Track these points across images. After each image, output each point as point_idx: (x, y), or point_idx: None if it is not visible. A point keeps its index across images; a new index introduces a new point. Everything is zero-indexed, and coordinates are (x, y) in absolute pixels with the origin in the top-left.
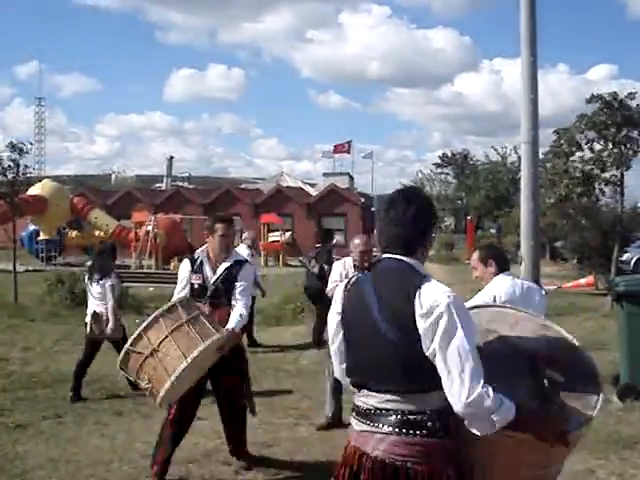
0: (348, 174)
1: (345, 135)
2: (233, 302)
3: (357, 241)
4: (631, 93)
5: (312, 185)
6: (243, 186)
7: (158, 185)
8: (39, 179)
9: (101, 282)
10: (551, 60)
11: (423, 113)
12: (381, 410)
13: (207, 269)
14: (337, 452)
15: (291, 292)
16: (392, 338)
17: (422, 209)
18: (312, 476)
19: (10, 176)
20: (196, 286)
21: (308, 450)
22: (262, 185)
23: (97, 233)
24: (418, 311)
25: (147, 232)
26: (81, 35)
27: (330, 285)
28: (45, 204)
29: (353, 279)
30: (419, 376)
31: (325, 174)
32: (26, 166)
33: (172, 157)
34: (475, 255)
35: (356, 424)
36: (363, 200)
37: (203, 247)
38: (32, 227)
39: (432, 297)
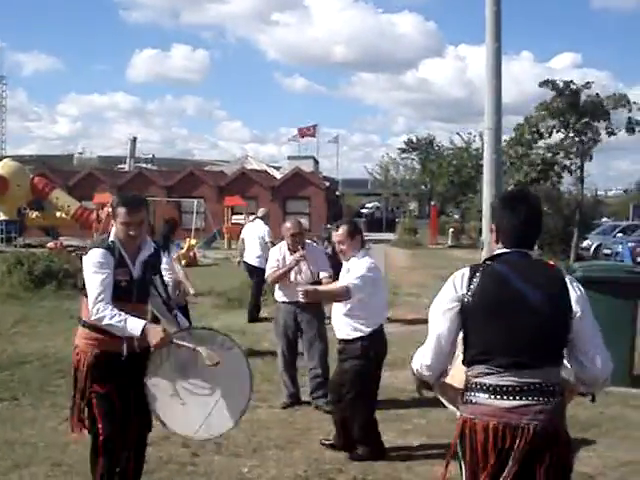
0: (313, 158)
1: (310, 119)
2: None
3: (288, 225)
4: (588, 83)
5: (277, 168)
6: (207, 168)
7: (121, 166)
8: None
9: (167, 256)
10: (515, 47)
11: (388, 98)
12: (535, 384)
13: (129, 261)
14: (295, 434)
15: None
16: (553, 319)
17: (540, 212)
18: (270, 457)
19: None
20: (123, 283)
21: (267, 432)
22: (227, 168)
23: (58, 214)
24: (574, 296)
25: (109, 214)
26: (42, 13)
27: (268, 271)
28: (5, 184)
29: (480, 270)
30: (562, 351)
31: (290, 157)
32: None
33: (135, 138)
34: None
35: (504, 401)
36: (328, 184)
37: (112, 231)
38: None
39: (578, 285)
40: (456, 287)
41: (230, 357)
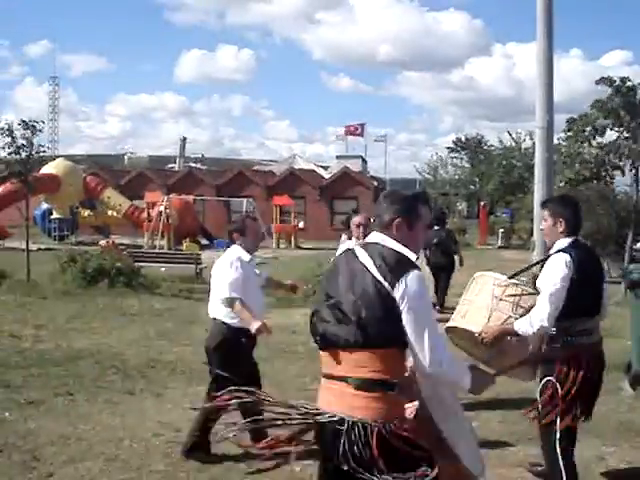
0: (361, 157)
1: (356, 118)
2: None
3: (355, 218)
4: None
5: (325, 168)
6: (256, 168)
7: (171, 166)
8: (52, 158)
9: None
10: (565, 45)
11: (434, 97)
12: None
13: None
14: None
15: (303, 274)
16: None
17: None
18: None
19: (24, 154)
20: None
21: None
22: (275, 167)
23: (110, 213)
24: None
25: (159, 212)
26: (90, 15)
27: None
28: (58, 183)
29: (577, 253)
30: None
31: (338, 157)
32: (40, 145)
33: (185, 138)
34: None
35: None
36: (376, 184)
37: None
38: (45, 206)
39: None
40: (569, 268)
41: None
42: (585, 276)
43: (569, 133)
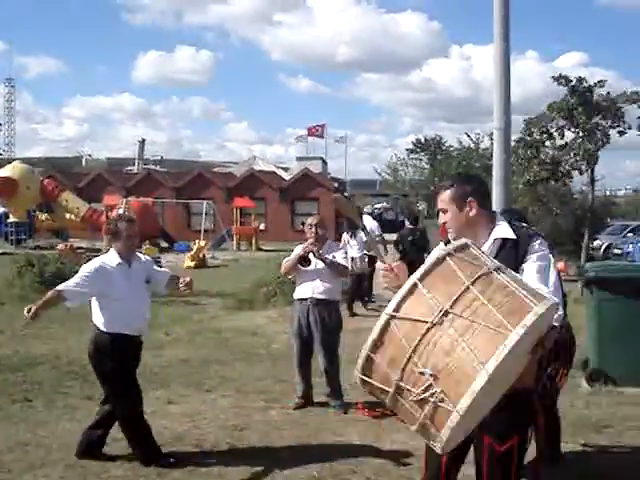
0: (321, 158)
1: (316, 119)
2: None
3: (309, 219)
4: (600, 81)
5: (285, 169)
6: (216, 170)
7: (129, 168)
8: (9, 161)
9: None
10: (521, 47)
11: (393, 98)
12: None
13: None
14: (308, 434)
15: (264, 276)
16: None
17: None
18: (283, 458)
19: None
20: None
21: (280, 433)
22: (235, 169)
23: (67, 216)
24: None
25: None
26: (46, 16)
27: (284, 263)
28: (15, 186)
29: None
30: None
31: (298, 158)
32: None
33: (144, 140)
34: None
35: None
36: (336, 185)
37: None
38: (1, 209)
39: None
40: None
41: None
42: None
43: (527, 136)
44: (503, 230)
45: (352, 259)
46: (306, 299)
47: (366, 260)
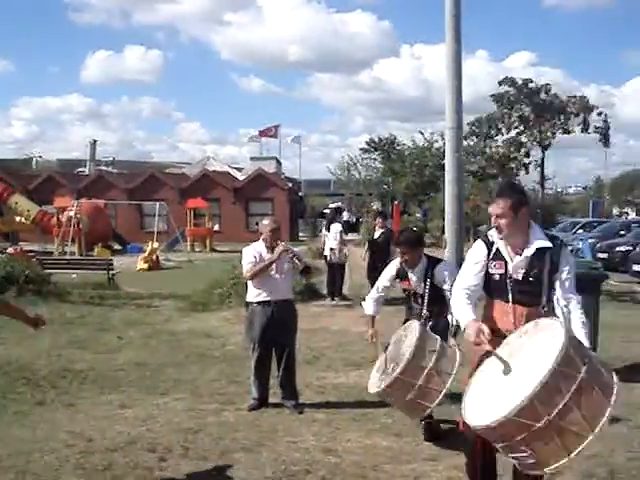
0: (275, 158)
1: (268, 120)
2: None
3: (266, 222)
4: (547, 84)
5: (239, 169)
6: (168, 170)
7: (81, 169)
8: None
9: (332, 228)
10: (470, 46)
11: (344, 98)
12: None
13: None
14: (263, 436)
15: (219, 277)
16: None
17: None
18: (238, 460)
19: None
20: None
21: (234, 435)
22: (188, 169)
23: (18, 219)
24: None
25: (70, 217)
26: None
27: (246, 267)
28: None
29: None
30: None
31: (252, 158)
32: None
33: (95, 141)
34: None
35: None
36: (290, 185)
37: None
38: None
39: None
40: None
41: None
42: None
43: (475, 133)
44: (541, 239)
45: (331, 249)
46: (268, 301)
47: (345, 251)
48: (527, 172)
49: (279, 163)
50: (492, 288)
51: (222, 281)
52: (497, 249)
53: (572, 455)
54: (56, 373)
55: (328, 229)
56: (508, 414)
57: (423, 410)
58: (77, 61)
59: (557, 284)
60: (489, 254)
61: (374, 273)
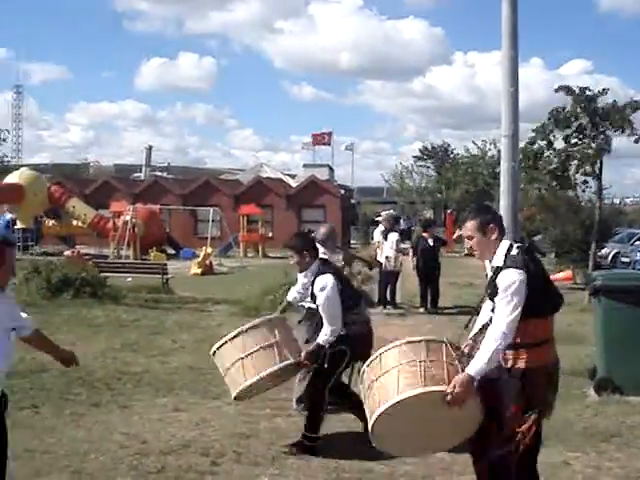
0: (328, 166)
1: (320, 127)
2: None
3: (323, 229)
4: (604, 89)
5: (292, 176)
6: (223, 177)
7: (136, 175)
8: (16, 167)
9: (389, 236)
10: (525, 54)
11: (396, 105)
12: None
13: None
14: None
15: (271, 283)
16: None
17: None
18: (289, 466)
19: None
20: None
21: (286, 441)
22: (242, 176)
23: (75, 222)
24: None
25: (125, 222)
26: (49, 23)
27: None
28: (22, 193)
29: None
30: None
31: (305, 165)
32: (5, 154)
33: (151, 147)
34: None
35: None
36: (343, 192)
37: None
38: (9, 215)
39: None
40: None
41: None
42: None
43: (532, 143)
44: (499, 257)
45: (386, 257)
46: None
47: (400, 259)
48: (586, 180)
49: (332, 170)
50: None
51: (274, 287)
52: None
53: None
54: (111, 375)
55: (385, 237)
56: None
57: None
58: (131, 68)
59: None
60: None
61: (425, 282)
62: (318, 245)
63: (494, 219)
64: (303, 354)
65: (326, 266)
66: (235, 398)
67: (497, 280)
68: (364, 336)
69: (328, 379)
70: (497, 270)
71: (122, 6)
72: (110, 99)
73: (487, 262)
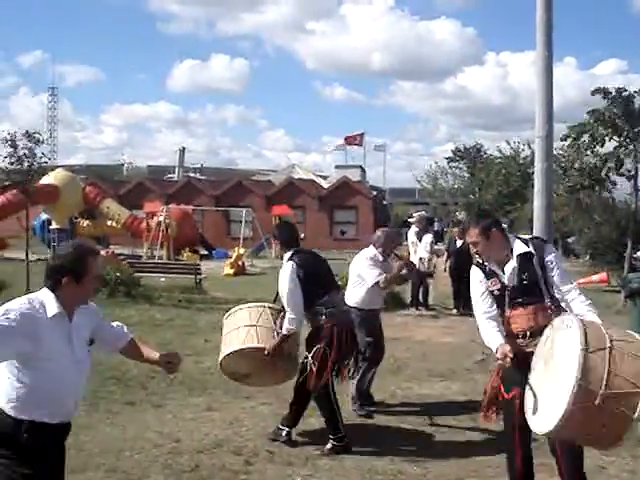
0: (360, 167)
1: (352, 128)
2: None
3: (379, 233)
4: None
5: (324, 177)
6: (255, 178)
7: (170, 175)
8: (51, 168)
9: (424, 238)
10: (558, 53)
11: (428, 106)
12: None
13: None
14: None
15: None
16: None
17: None
18: (322, 467)
19: (26, 165)
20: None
21: (319, 441)
22: (274, 177)
23: (109, 223)
24: None
25: (159, 223)
26: (82, 25)
27: (378, 277)
28: (57, 193)
29: None
30: None
31: (337, 166)
32: (43, 154)
33: (184, 148)
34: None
35: None
36: (375, 193)
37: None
38: (44, 216)
39: None
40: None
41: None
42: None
43: (567, 142)
44: (520, 247)
45: (420, 259)
46: (378, 309)
47: (433, 261)
48: (629, 179)
49: (363, 171)
50: (496, 304)
51: None
52: (489, 268)
53: (637, 413)
54: (145, 374)
55: (419, 239)
56: (567, 406)
57: None
58: (164, 70)
59: (553, 279)
60: (485, 275)
61: (458, 283)
62: (372, 247)
63: (494, 223)
64: (269, 346)
65: (295, 255)
66: (222, 369)
67: (545, 257)
68: (334, 327)
69: (321, 380)
70: (525, 255)
71: (154, 8)
72: (143, 101)
73: (494, 265)
